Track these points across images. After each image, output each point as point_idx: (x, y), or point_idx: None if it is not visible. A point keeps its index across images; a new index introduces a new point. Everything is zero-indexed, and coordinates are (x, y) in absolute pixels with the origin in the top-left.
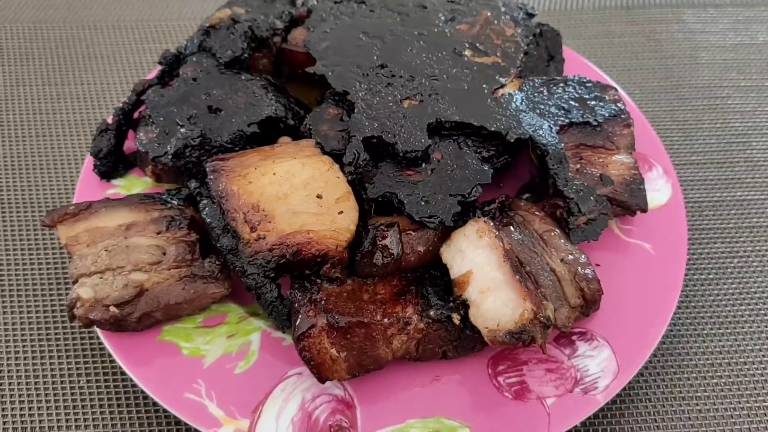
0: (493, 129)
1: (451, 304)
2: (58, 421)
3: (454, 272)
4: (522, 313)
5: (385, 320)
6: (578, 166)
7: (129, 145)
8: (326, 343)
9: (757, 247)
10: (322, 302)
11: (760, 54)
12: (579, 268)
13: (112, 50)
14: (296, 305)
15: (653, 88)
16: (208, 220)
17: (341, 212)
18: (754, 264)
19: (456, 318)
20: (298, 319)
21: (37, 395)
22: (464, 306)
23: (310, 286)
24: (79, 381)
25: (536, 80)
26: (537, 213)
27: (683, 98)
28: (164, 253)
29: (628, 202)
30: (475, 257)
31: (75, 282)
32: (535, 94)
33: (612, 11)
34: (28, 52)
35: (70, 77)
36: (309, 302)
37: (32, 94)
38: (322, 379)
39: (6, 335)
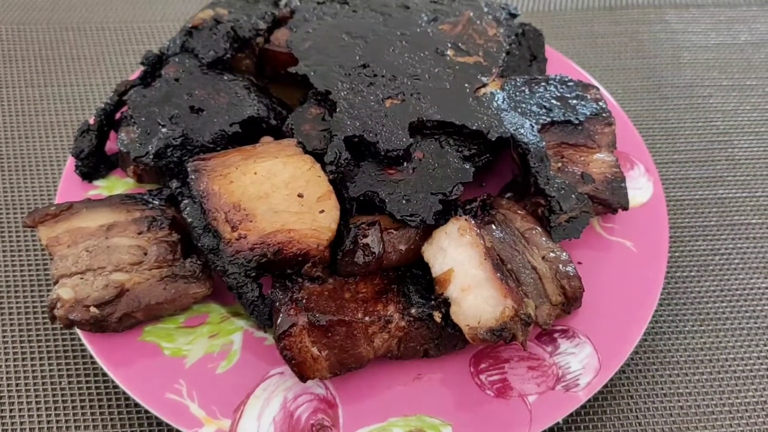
0: (474, 128)
1: (433, 302)
2: (39, 422)
3: (436, 270)
4: (503, 310)
5: (367, 318)
6: (559, 164)
7: (111, 146)
8: (307, 341)
9: (738, 245)
10: (304, 301)
11: (741, 53)
12: (560, 266)
13: (96, 52)
14: (277, 304)
15: (636, 87)
16: (189, 220)
17: (322, 211)
18: (735, 261)
19: (437, 316)
20: (279, 318)
21: (18, 397)
22: (446, 304)
23: (292, 285)
24: (60, 382)
25: (518, 79)
26: (518, 211)
27: (665, 97)
28: (145, 254)
29: (609, 200)
30: (457, 255)
31: (56, 283)
32: (517, 93)
33: (595, 12)
34: (11, 53)
35: (53, 79)
36: (290, 301)
37: (15, 96)
38: (303, 378)
39: None
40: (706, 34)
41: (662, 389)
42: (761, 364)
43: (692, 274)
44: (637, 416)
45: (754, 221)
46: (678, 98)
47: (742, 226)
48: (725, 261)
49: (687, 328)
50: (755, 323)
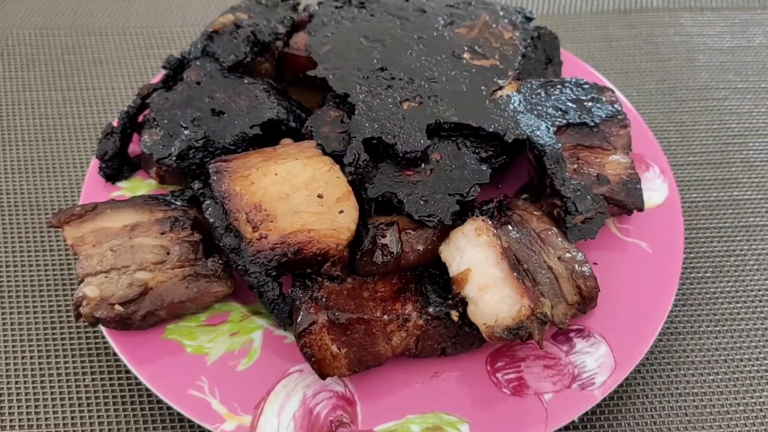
0: (491, 130)
1: (450, 301)
2: (63, 418)
3: (453, 270)
4: (519, 309)
5: (385, 317)
6: (575, 166)
7: (134, 148)
8: (327, 339)
9: (753, 246)
10: (323, 300)
11: (756, 56)
12: (576, 266)
13: (117, 56)
14: (297, 303)
15: (651, 90)
16: (211, 220)
17: (342, 211)
18: (750, 263)
19: (455, 315)
20: (300, 316)
21: (44, 393)
22: (463, 303)
23: (311, 284)
24: (84, 379)
25: (534, 82)
26: (534, 212)
27: (680, 100)
28: (168, 253)
29: (624, 202)
30: (474, 255)
31: (81, 281)
32: (533, 96)
33: (610, 15)
34: (34, 58)
35: (75, 82)
36: (310, 300)
37: (39, 99)
38: (323, 376)
39: (13, 335)
40: (721, 37)
41: (677, 389)
42: None
43: (707, 275)
44: (652, 415)
45: None
46: (693, 101)
47: (757, 228)
48: (740, 262)
49: (702, 329)
50: None
